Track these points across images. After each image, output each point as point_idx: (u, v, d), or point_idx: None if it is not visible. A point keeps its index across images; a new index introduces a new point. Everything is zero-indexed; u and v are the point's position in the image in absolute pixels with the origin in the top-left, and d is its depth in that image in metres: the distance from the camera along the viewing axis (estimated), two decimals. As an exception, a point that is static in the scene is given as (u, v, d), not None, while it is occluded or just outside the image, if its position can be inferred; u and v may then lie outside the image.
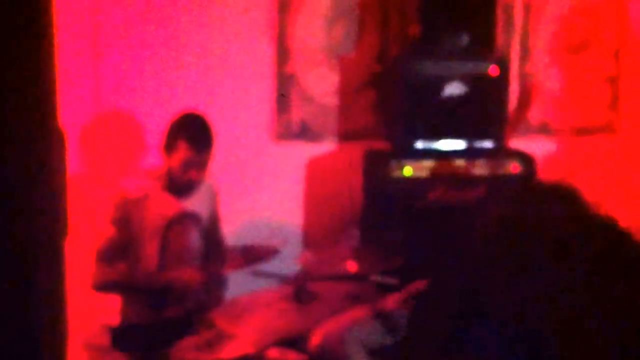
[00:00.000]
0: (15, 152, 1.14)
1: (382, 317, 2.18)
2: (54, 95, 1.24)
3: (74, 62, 3.86)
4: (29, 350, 1.26)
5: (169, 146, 3.41)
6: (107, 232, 3.40)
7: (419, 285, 2.27)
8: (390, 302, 2.26)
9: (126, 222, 3.39)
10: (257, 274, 3.61)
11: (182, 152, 3.36)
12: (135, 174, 3.85)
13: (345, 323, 2.26)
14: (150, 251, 3.44)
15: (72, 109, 3.84)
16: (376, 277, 3.41)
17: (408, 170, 3.99)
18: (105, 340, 3.41)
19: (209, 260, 3.63)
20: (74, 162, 3.98)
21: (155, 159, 3.63)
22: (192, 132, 3.39)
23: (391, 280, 3.27)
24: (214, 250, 3.69)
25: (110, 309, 3.54)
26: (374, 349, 2.23)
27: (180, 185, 3.47)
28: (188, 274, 3.41)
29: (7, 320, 1.21)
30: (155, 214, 3.43)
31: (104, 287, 3.42)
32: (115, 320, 3.49)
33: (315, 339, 2.47)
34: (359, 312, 2.28)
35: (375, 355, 2.26)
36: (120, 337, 3.40)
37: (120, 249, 3.41)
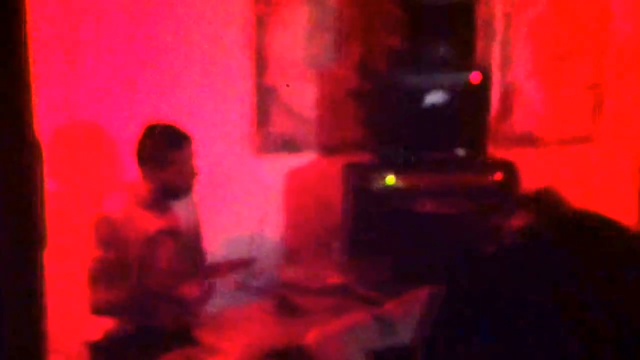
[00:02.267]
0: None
1: (381, 320, 2.13)
2: (30, 105, 1.20)
3: (45, 72, 3.80)
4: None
5: (160, 163, 3.39)
6: (94, 253, 3.32)
7: (423, 292, 2.22)
8: (391, 306, 2.22)
9: (113, 242, 3.32)
10: (239, 288, 3.57)
11: (180, 161, 3.40)
12: (113, 191, 3.79)
13: (343, 326, 2.21)
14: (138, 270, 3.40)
15: (43, 119, 3.78)
16: (358, 290, 3.38)
17: (390, 180, 3.96)
18: (84, 355, 3.36)
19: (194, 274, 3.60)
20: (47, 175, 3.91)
21: (129, 174, 3.58)
22: (176, 139, 3.42)
23: (375, 294, 3.24)
24: (198, 262, 3.66)
25: (90, 324, 3.47)
26: (373, 352, 2.19)
27: (179, 190, 3.47)
28: (189, 290, 3.36)
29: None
30: (138, 232, 3.38)
31: (105, 310, 3.34)
32: (94, 335, 3.42)
33: (311, 341, 2.40)
34: (357, 316, 2.23)
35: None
36: (100, 352, 3.34)
37: (114, 269, 3.32)
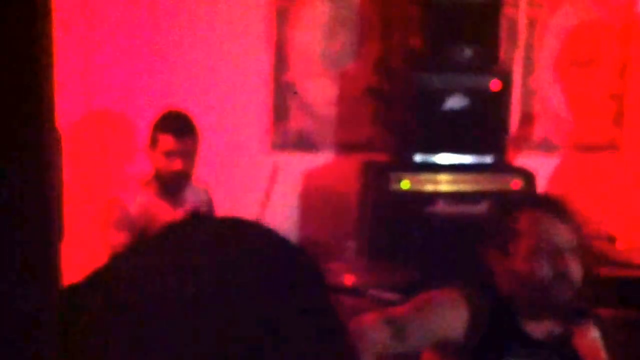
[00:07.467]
0: (10, 152, 1.08)
1: (392, 322, 2.10)
2: (51, 94, 1.17)
3: (65, 62, 3.79)
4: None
5: (153, 143, 3.43)
6: (115, 238, 3.34)
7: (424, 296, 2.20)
8: (402, 308, 2.18)
9: (131, 226, 3.34)
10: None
11: (163, 142, 3.38)
12: (130, 179, 3.78)
13: (351, 327, 2.17)
14: None
15: (63, 109, 3.77)
16: (374, 292, 3.35)
17: (406, 184, 3.93)
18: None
19: None
20: (65, 164, 3.90)
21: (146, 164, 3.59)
22: (170, 123, 3.42)
23: (389, 295, 3.22)
24: None
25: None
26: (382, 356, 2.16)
27: (168, 180, 3.43)
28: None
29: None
30: (151, 221, 3.38)
31: None
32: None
33: None
34: (368, 317, 2.19)
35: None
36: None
37: None
